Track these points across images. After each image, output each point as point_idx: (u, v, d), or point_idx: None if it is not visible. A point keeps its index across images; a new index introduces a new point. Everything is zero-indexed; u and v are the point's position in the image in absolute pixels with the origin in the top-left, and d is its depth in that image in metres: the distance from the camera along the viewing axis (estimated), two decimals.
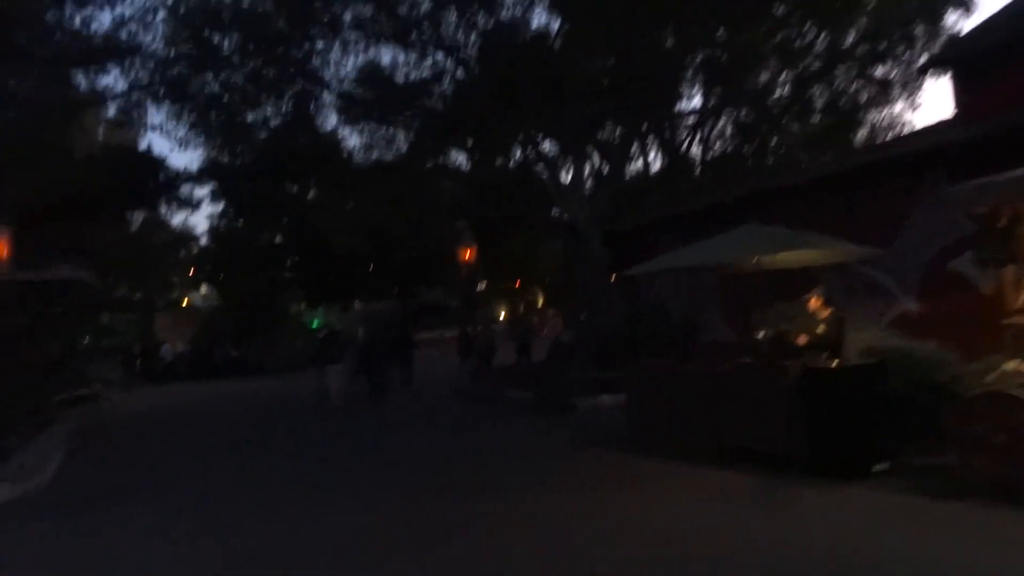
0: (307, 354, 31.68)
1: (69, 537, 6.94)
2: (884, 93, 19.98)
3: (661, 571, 4.89)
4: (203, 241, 41.09)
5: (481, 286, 53.79)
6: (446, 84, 16.76)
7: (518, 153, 17.92)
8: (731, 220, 10.00)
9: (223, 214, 35.78)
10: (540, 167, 15.84)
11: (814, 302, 7.71)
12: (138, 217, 33.16)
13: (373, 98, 17.97)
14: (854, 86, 20.16)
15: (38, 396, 16.15)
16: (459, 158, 21.28)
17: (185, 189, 17.80)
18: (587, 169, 16.21)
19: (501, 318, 51.29)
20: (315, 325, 33.73)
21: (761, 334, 8.48)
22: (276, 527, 6.61)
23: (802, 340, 7.61)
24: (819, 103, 20.76)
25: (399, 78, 18.18)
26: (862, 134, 21.44)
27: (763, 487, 6.77)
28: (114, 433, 14.67)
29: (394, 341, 19.99)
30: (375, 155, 20.67)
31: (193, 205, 19.38)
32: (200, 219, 76.40)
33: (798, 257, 8.40)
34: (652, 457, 8.17)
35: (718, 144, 23.08)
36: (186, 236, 40.93)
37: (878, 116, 21.45)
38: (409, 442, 11.01)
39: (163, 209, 17.81)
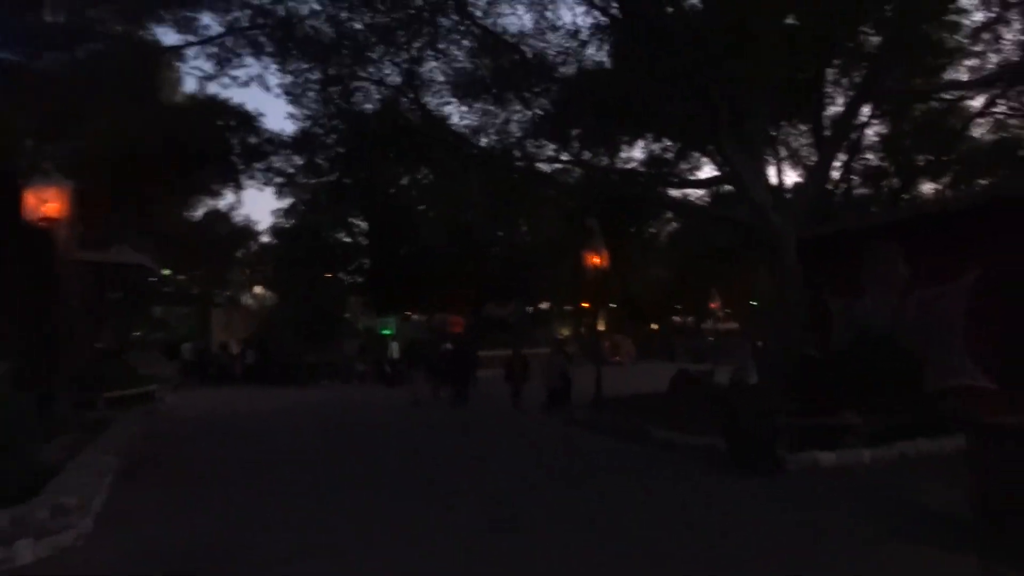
0: (365, 364, 29.13)
1: None
2: None
3: None
4: (264, 239, 39.03)
5: (544, 304, 50.64)
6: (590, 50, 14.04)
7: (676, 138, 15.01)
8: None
9: (291, 209, 33.72)
10: (715, 144, 12.81)
11: None
12: (202, 205, 31.18)
13: (494, 69, 15.30)
14: None
15: (89, 393, 13.66)
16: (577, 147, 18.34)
17: (277, 160, 15.00)
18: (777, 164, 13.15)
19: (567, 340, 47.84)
20: (386, 333, 31.02)
21: None
22: None
23: None
24: None
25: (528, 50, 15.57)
26: None
27: None
28: (174, 445, 11.97)
29: (456, 356, 19.31)
30: (483, 142, 17.88)
31: (287, 176, 16.63)
32: (263, 215, 75.34)
33: None
34: None
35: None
36: (248, 231, 38.72)
37: None
38: (600, 504, 7.81)
39: (252, 179, 15.15)
